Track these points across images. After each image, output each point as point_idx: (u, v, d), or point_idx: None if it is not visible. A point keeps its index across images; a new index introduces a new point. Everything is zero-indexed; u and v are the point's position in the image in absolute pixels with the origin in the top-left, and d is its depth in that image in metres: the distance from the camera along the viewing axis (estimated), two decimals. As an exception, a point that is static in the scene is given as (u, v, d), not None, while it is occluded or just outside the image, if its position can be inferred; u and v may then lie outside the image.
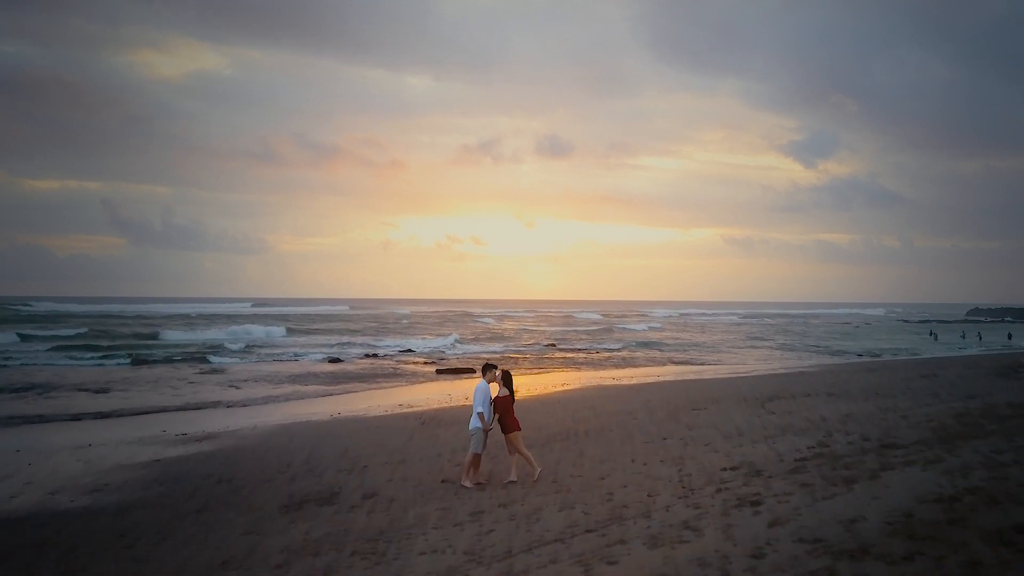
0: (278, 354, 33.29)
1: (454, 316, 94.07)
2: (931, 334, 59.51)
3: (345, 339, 45.14)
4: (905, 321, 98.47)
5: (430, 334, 50.95)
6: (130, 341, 39.61)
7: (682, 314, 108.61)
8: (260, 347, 37.41)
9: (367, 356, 33.90)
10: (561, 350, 39.32)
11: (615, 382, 21.38)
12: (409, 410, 15.86)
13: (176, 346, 36.80)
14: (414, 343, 42.20)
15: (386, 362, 30.84)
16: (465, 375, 25.72)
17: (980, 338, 53.09)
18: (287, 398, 19.56)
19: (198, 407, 17.87)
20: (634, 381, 21.22)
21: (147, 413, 16.65)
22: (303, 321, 68.50)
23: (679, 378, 21.75)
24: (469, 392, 21.42)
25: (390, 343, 42.55)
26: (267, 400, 19.09)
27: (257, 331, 48.55)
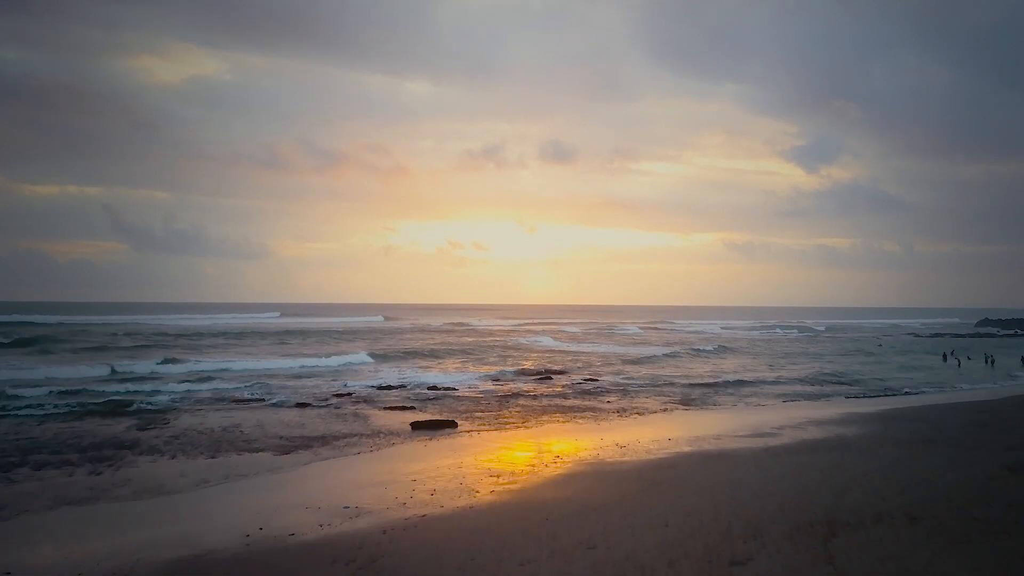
0: (226, 393, 29.78)
1: (457, 331, 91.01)
2: (949, 357, 56.06)
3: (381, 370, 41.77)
4: (916, 335, 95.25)
5: (426, 363, 47.42)
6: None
7: (686, 329, 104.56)
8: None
9: (338, 394, 30.34)
10: (558, 382, 35.76)
11: (615, 457, 17.83)
12: (350, 529, 12.23)
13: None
14: (410, 375, 38.68)
15: (353, 406, 27.24)
16: (444, 431, 22.14)
17: (992, 363, 49.95)
18: (180, 477, 15.82)
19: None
20: (639, 457, 17.64)
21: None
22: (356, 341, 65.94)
23: (698, 449, 18.17)
24: (446, 462, 18.02)
25: (386, 372, 39.39)
26: (131, 487, 15.49)
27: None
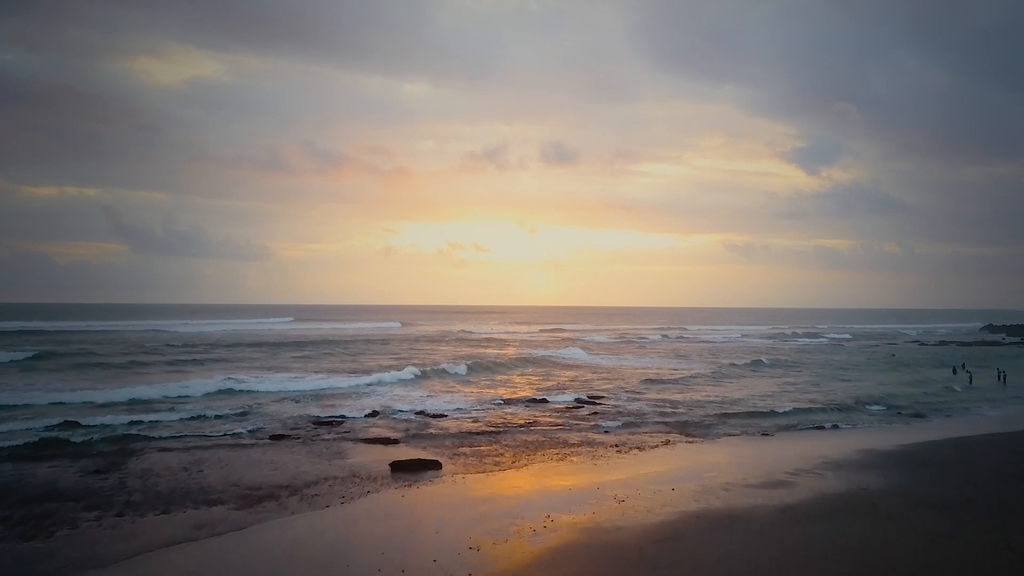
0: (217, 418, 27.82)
1: (453, 340, 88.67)
2: (959, 371, 54.21)
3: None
4: (921, 344, 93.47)
5: (458, 384, 44.17)
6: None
7: (712, 339, 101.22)
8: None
9: (317, 423, 28.42)
10: (555, 410, 33.85)
11: (613, 518, 15.92)
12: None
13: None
14: (399, 396, 36.72)
15: (334, 437, 25.30)
16: (427, 475, 20.19)
17: (1004, 379, 48.10)
18: (121, 541, 13.86)
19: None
20: (638, 519, 15.73)
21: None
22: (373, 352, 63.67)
23: (705, 508, 16.24)
24: (423, 520, 16.10)
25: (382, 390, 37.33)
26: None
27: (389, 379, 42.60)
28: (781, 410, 32.95)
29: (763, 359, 61.40)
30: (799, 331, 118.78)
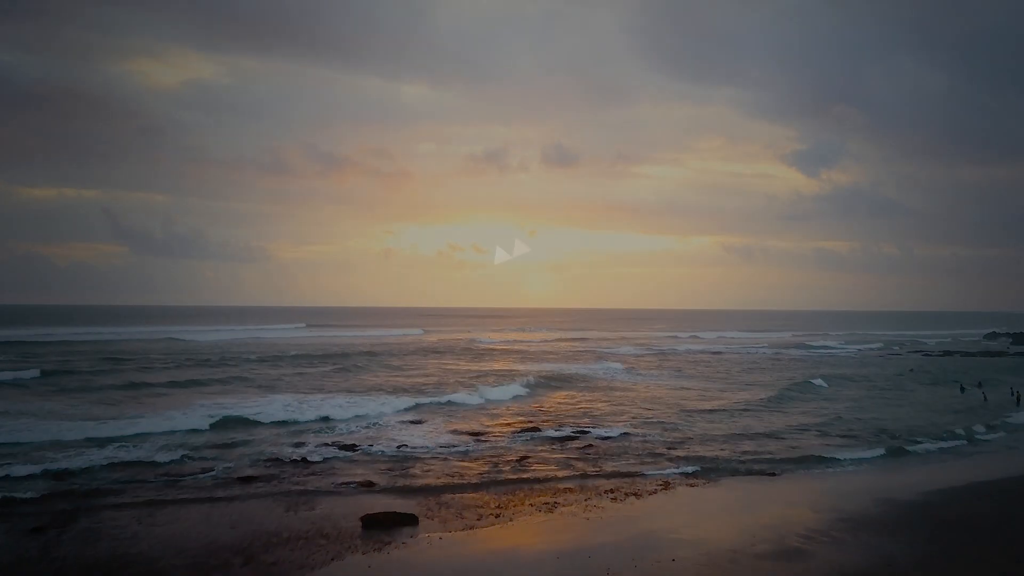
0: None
1: (463, 352, 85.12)
2: (969, 388, 52.29)
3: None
4: (926, 355, 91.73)
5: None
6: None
7: (745, 348, 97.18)
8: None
9: (295, 461, 26.31)
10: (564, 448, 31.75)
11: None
12: None
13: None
14: (394, 426, 34.54)
15: (311, 478, 23.30)
16: (402, 532, 18.21)
17: (1018, 399, 46.01)
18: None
19: None
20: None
21: None
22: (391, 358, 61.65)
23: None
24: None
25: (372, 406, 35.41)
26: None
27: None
28: (845, 457, 28.14)
29: (813, 381, 54.14)
30: (813, 340, 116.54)
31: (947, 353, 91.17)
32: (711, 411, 39.76)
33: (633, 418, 37.12)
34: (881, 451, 29.48)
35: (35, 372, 49.65)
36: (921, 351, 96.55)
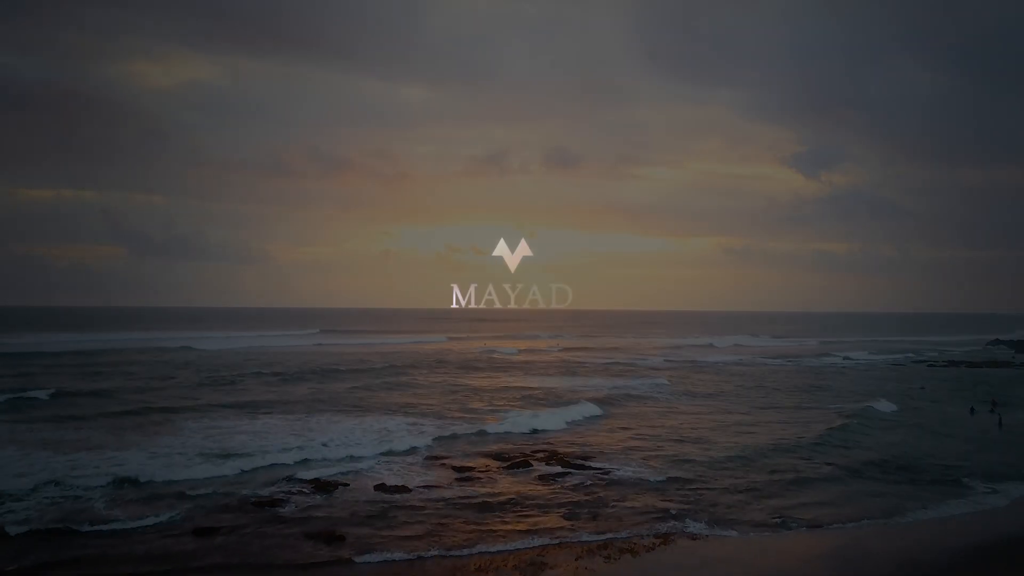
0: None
1: (478, 362, 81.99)
2: (979, 409, 50.25)
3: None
4: (930, 365, 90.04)
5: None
6: None
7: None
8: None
9: (259, 502, 24.16)
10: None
11: None
12: None
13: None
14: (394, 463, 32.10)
15: (278, 527, 21.39)
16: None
17: None
18: None
19: None
20: None
21: None
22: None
23: None
24: None
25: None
26: None
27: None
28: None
29: (875, 406, 48.11)
30: (840, 349, 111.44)
31: (951, 363, 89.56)
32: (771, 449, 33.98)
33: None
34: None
35: (50, 391, 47.07)
36: (924, 361, 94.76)
